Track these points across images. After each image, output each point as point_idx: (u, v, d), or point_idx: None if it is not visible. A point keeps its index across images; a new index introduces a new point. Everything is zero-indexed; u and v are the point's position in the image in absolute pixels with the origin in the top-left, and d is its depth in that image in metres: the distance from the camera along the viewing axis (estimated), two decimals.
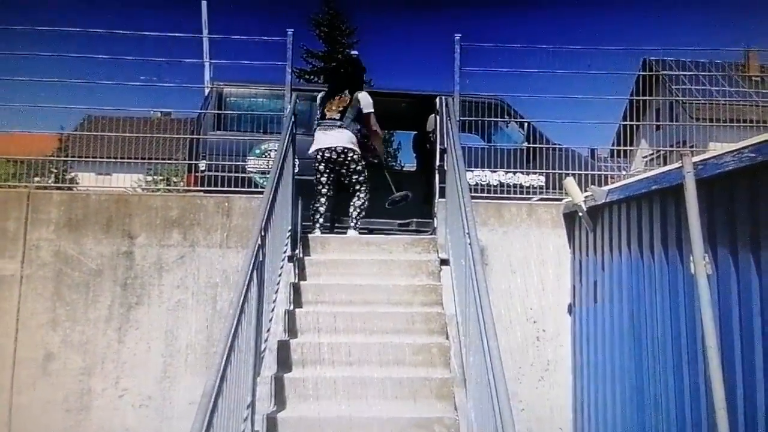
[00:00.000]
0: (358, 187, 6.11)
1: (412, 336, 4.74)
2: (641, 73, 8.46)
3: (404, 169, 15.36)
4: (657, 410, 4.35)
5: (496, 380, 2.89)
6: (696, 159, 3.64)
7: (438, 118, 6.81)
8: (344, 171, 6.08)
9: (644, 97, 8.38)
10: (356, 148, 6.08)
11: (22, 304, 5.88)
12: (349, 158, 6.01)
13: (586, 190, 5.63)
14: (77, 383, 5.79)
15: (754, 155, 3.22)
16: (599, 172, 7.33)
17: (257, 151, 7.28)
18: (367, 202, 6.17)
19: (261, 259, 4.07)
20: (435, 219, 6.13)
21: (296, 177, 5.87)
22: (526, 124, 7.69)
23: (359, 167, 6.07)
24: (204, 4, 10.13)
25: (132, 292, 5.97)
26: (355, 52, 25.68)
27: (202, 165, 7.13)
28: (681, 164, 3.59)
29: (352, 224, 6.12)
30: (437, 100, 7.11)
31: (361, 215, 6.18)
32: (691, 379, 3.94)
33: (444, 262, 5.35)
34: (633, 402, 4.72)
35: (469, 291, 3.83)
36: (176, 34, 7.59)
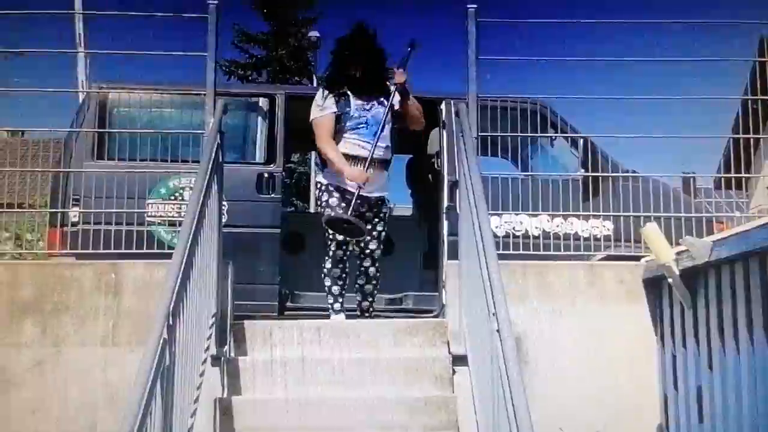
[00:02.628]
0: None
1: None
2: (759, 59, 8.57)
3: (392, 212, 15.43)
4: None
5: None
6: None
7: (445, 133, 6.88)
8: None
9: (765, 97, 8.45)
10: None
11: None
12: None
13: (678, 243, 5.65)
14: None
15: None
16: (699, 215, 7.38)
17: (162, 191, 7.29)
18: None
19: (168, 362, 4.02)
20: (443, 292, 6.13)
21: (224, 229, 5.86)
22: (581, 141, 7.74)
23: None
24: None
25: None
26: (316, 34, 26.11)
27: (74, 214, 7.11)
28: None
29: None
30: (443, 106, 7.19)
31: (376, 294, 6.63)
32: None
33: (459, 359, 5.33)
34: None
35: (500, 406, 3.80)
36: (35, 11, 7.65)
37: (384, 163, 6.39)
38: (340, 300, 6.21)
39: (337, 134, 6.27)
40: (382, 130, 6.13)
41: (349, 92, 6.28)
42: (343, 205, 6.18)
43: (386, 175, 6.51)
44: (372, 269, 6.38)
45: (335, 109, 6.25)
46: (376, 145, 6.14)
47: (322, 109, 6.28)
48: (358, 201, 6.10)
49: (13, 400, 5.91)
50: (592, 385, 6.06)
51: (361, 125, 6.21)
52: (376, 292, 6.52)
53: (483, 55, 6.74)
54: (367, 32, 6.23)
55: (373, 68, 6.29)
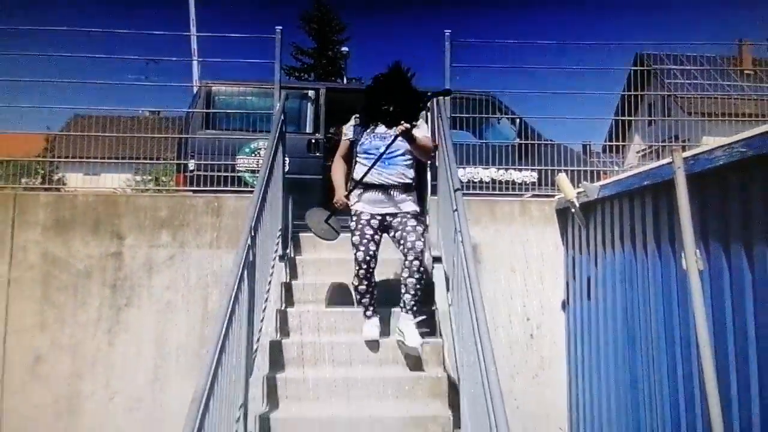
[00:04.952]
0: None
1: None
2: (633, 68, 8.50)
3: None
4: (652, 407, 4.38)
5: (491, 382, 2.89)
6: (687, 154, 3.65)
7: (429, 115, 6.81)
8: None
9: (637, 92, 8.41)
10: None
11: (10, 306, 5.86)
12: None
13: (578, 186, 5.64)
14: (67, 386, 5.78)
15: (744, 150, 3.23)
16: (592, 168, 7.38)
17: (247, 150, 7.28)
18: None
19: (251, 259, 4.05)
20: (427, 216, 6.14)
21: (286, 176, 5.87)
22: (517, 120, 7.72)
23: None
24: (192, 2, 10.16)
25: (121, 293, 5.95)
26: (345, 49, 25.69)
27: (191, 164, 7.14)
28: (671, 159, 3.60)
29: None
30: (428, 96, 7.13)
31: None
32: (684, 375, 3.96)
33: (436, 259, 5.35)
34: (627, 399, 4.75)
35: (461, 288, 3.83)
36: (165, 32, 7.64)
37: (389, 188, 4.60)
38: (371, 308, 4.66)
39: (355, 158, 4.76)
40: (377, 161, 4.52)
41: (373, 123, 4.70)
42: (360, 227, 4.58)
43: (400, 196, 4.63)
44: (415, 262, 4.43)
45: (351, 137, 4.79)
46: (368, 172, 4.55)
47: (344, 134, 4.88)
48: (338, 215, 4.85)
49: (154, 280, 5.98)
50: (519, 276, 6.12)
51: (372, 153, 4.58)
52: (419, 287, 4.50)
53: (455, 63, 6.67)
54: (401, 72, 4.70)
55: (402, 104, 4.56)
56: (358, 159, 4.69)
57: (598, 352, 5.31)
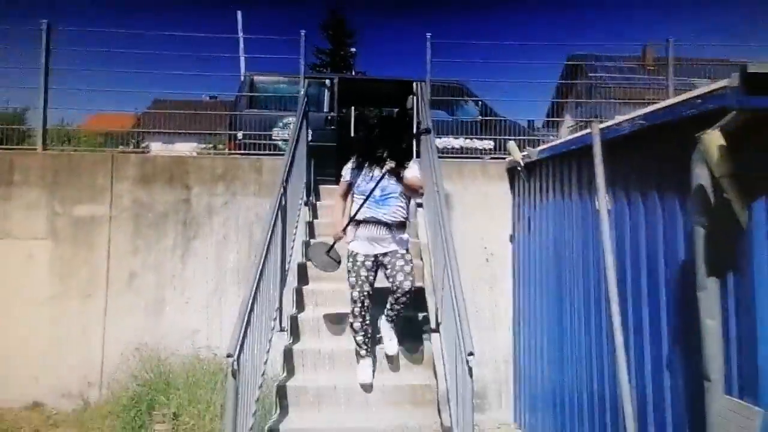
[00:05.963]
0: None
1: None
2: (567, 63, 8.34)
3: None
4: (572, 313, 4.44)
5: (456, 294, 2.91)
6: (602, 126, 3.60)
7: (415, 98, 6.69)
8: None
9: (569, 81, 8.27)
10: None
11: (111, 237, 5.89)
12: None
13: (524, 151, 5.59)
14: (153, 294, 5.84)
15: (643, 122, 3.21)
16: (535, 137, 7.28)
17: (280, 124, 7.15)
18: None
19: (284, 204, 4.04)
20: None
21: (309, 143, 5.80)
22: (480, 102, 7.58)
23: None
24: (239, 14, 9.96)
25: (190, 229, 5.95)
26: (353, 50, 24.77)
27: (240, 135, 7.04)
28: (591, 130, 3.55)
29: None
30: (414, 84, 6.98)
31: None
32: (593, 290, 4.00)
33: (420, 205, 5.35)
34: (555, 307, 4.81)
35: (437, 226, 3.83)
36: (220, 35, 7.49)
37: (383, 225, 3.61)
38: (365, 348, 3.71)
39: (353, 196, 3.76)
40: (367, 198, 3.60)
41: (368, 166, 3.68)
42: (356, 269, 3.62)
43: (393, 234, 3.62)
44: (402, 298, 3.57)
45: (348, 179, 3.75)
46: (359, 210, 3.63)
47: (344, 176, 3.81)
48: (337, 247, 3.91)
49: (213, 219, 5.97)
50: (482, 218, 6.05)
51: (367, 192, 3.62)
52: (399, 310, 3.67)
53: (434, 59, 6.56)
54: (392, 119, 3.72)
55: (393, 148, 3.68)
56: (355, 199, 3.73)
57: (534, 271, 5.35)
